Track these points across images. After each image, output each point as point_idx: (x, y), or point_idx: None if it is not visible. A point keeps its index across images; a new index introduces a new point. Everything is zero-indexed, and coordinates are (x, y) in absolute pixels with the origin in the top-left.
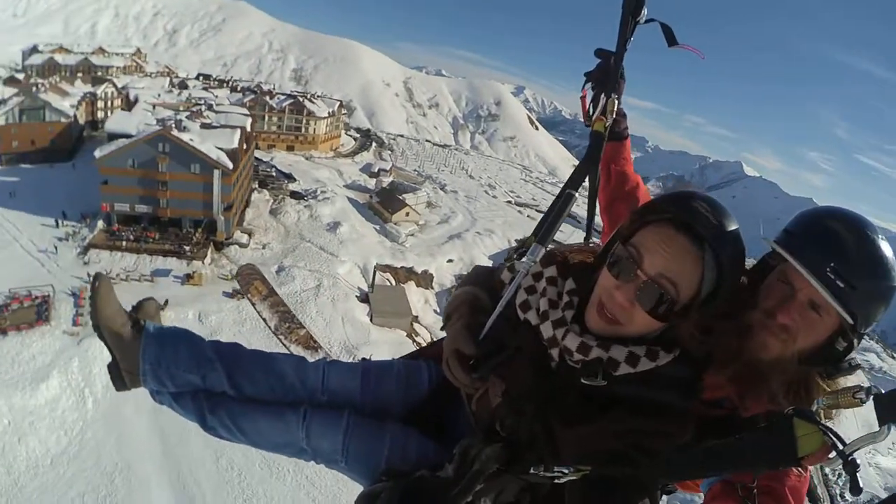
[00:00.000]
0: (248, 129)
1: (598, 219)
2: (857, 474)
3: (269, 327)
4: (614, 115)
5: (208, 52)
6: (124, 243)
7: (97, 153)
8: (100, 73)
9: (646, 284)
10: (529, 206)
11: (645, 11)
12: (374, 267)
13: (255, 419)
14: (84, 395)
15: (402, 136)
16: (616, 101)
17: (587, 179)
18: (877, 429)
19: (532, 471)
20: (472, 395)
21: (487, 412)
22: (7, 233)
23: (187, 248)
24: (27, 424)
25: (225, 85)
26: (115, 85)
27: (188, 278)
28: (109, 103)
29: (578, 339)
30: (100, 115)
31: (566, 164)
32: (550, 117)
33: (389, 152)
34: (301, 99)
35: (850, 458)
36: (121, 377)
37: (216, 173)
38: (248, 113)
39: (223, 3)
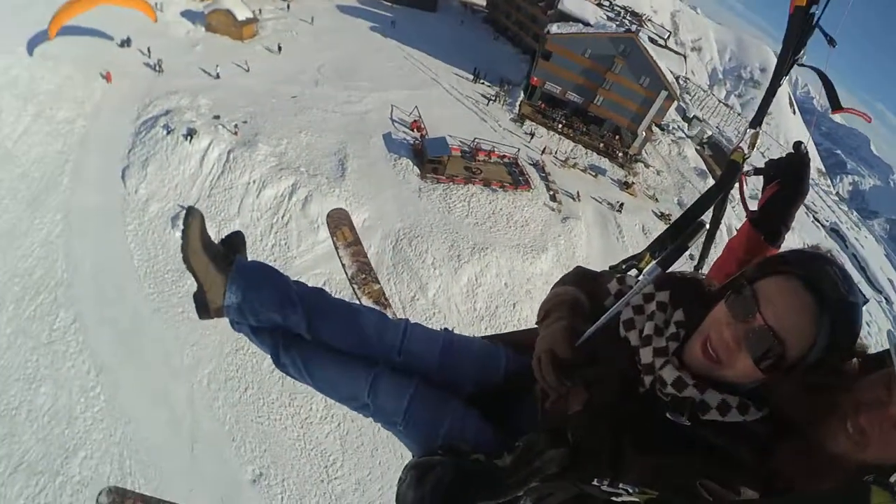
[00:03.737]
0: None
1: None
2: None
3: (346, 275)
4: (755, 148)
5: None
6: (559, 126)
7: (554, 28)
8: None
9: (759, 329)
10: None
11: (804, 53)
12: None
13: (325, 367)
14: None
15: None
16: (758, 135)
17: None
18: None
19: (595, 482)
20: (550, 395)
21: (560, 417)
22: (421, 70)
23: (619, 154)
24: (524, 292)
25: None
26: None
27: (625, 186)
28: None
29: (676, 374)
30: None
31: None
32: (799, 102)
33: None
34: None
35: None
36: (206, 306)
37: (662, 94)
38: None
39: None
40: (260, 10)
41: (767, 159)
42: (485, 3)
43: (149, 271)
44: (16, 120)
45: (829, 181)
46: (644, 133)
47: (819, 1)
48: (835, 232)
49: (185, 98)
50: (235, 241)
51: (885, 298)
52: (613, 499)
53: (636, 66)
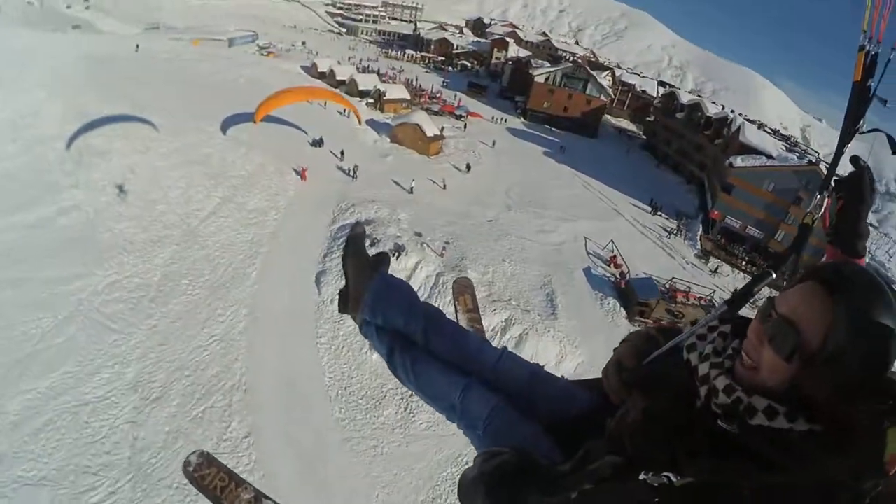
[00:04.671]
0: None
1: None
2: None
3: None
4: (821, 212)
5: (610, 55)
6: (742, 262)
7: (738, 161)
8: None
9: (774, 321)
10: None
11: (863, 122)
12: None
13: (429, 369)
14: None
15: None
16: (825, 199)
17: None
18: None
19: (641, 476)
20: (616, 413)
21: (621, 427)
22: (601, 199)
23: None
24: None
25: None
26: (613, 74)
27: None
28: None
29: (727, 382)
30: None
31: None
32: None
33: None
34: None
35: None
36: (346, 303)
37: (818, 198)
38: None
39: (626, 11)
40: (442, 129)
41: (835, 179)
42: (642, 131)
43: (340, 393)
44: (205, 198)
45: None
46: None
47: (873, 76)
48: None
49: (384, 209)
50: (383, 258)
51: None
52: (657, 496)
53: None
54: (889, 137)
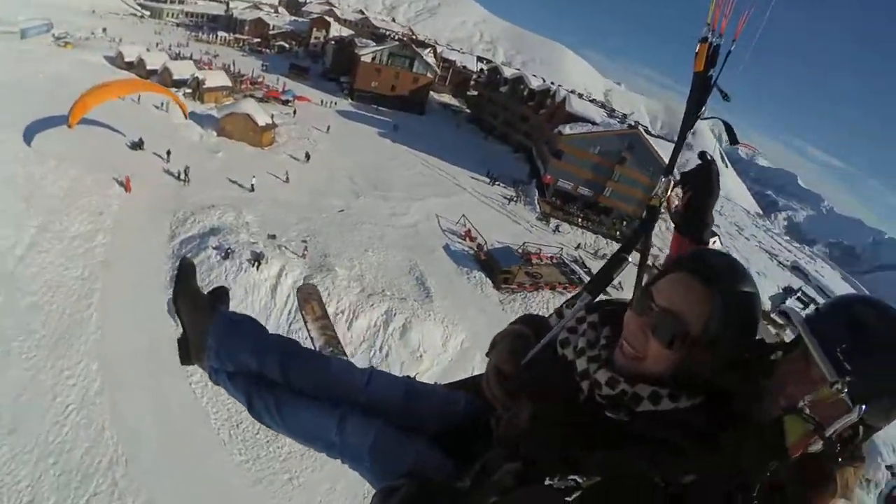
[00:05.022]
0: None
1: None
2: (837, 450)
3: (314, 347)
4: (668, 195)
5: (425, 32)
6: (579, 219)
7: (566, 130)
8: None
9: (657, 314)
10: None
11: (705, 110)
12: None
13: (296, 409)
14: None
15: None
16: (670, 182)
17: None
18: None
19: (547, 482)
20: (502, 417)
21: (513, 434)
22: (442, 175)
23: None
24: None
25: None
26: (435, 51)
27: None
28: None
29: (608, 374)
30: None
31: (751, 217)
32: (727, 153)
33: None
34: None
35: (829, 437)
36: (188, 352)
37: (663, 179)
38: None
39: None
40: (272, 116)
41: (682, 171)
42: (466, 105)
43: (234, 433)
44: (16, 231)
45: (766, 221)
46: None
47: (715, 65)
48: (796, 269)
49: (229, 214)
50: (220, 294)
51: None
52: (566, 497)
53: (641, 157)
54: (726, 126)
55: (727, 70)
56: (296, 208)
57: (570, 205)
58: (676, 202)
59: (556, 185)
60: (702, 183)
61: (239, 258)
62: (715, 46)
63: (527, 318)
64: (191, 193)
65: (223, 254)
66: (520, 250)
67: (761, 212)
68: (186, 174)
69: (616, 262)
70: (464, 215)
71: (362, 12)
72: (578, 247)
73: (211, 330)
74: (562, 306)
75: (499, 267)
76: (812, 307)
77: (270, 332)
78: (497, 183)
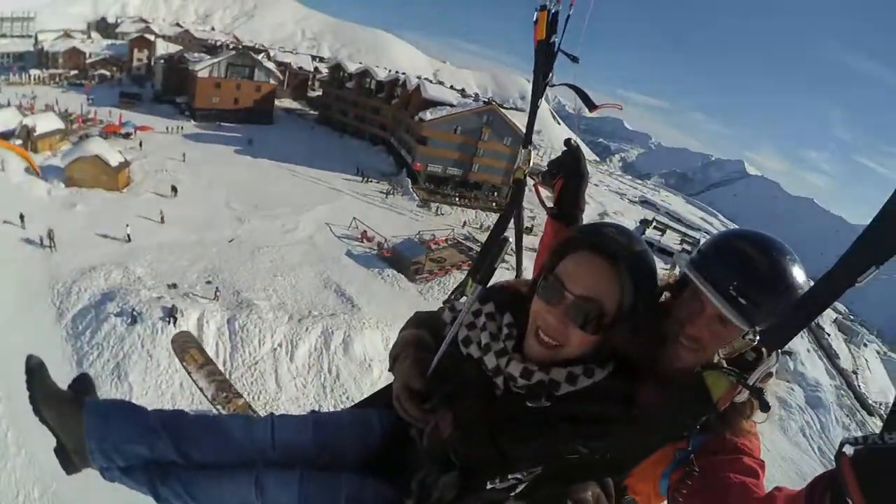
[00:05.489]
0: None
1: None
2: (763, 396)
3: (206, 397)
4: (530, 164)
5: (246, 36)
6: (456, 199)
7: (427, 115)
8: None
9: (573, 302)
10: None
11: (552, 76)
12: None
13: (207, 486)
14: None
15: None
16: (531, 152)
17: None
18: (773, 359)
19: (489, 486)
20: (424, 430)
21: (440, 445)
22: (315, 182)
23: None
24: None
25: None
26: (268, 55)
27: (528, 230)
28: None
29: (521, 366)
30: None
31: (591, 165)
32: (556, 111)
33: None
34: None
35: (753, 386)
36: (70, 459)
37: (524, 152)
38: None
39: None
40: (121, 153)
41: (549, 161)
42: (310, 107)
43: None
44: None
45: (604, 165)
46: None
47: (557, 32)
48: (645, 202)
49: (115, 273)
50: (83, 383)
51: (705, 234)
52: (513, 493)
53: (499, 130)
54: (579, 92)
55: (569, 34)
56: (184, 249)
57: (443, 186)
58: (549, 192)
59: (427, 171)
60: (571, 170)
61: (150, 318)
62: (554, 13)
63: (419, 319)
64: (63, 260)
65: (129, 319)
66: (417, 239)
67: (598, 158)
68: (51, 239)
69: (496, 244)
70: (355, 218)
71: (179, 25)
72: (464, 224)
73: (85, 430)
74: (450, 297)
75: (408, 260)
76: (693, 250)
77: (150, 409)
78: (369, 179)
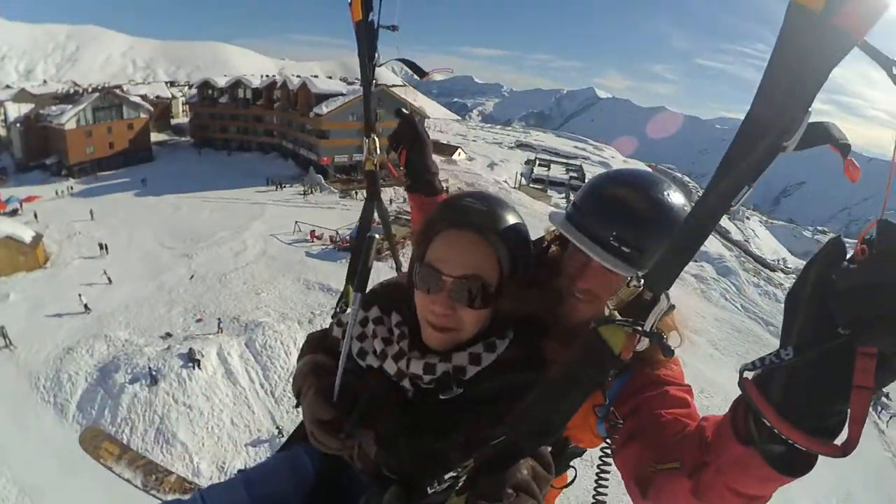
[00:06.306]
0: None
1: None
2: (664, 341)
3: (137, 486)
4: (377, 151)
5: (77, 79)
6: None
7: (324, 108)
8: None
9: (453, 285)
10: None
11: (379, 56)
12: None
13: None
14: None
15: None
16: (375, 140)
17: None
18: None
19: (430, 490)
20: (351, 454)
21: (372, 464)
22: (233, 203)
23: None
24: None
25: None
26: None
27: None
28: None
29: (422, 362)
30: None
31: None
32: (410, 83)
33: None
34: None
35: (650, 332)
36: None
37: (367, 141)
38: None
39: (71, 31)
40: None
41: (389, 136)
42: (178, 136)
43: None
44: None
45: (466, 122)
46: None
47: (373, 9)
48: (522, 145)
49: (97, 345)
50: None
51: (583, 160)
52: (453, 490)
53: (391, 108)
54: (409, 63)
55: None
56: (151, 299)
57: (354, 174)
58: (395, 169)
59: (335, 163)
60: (410, 138)
61: (171, 371)
62: None
63: (312, 342)
64: (30, 354)
65: (149, 380)
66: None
67: (458, 116)
68: (5, 336)
69: (364, 245)
70: (297, 222)
71: (10, 87)
72: (391, 202)
73: None
74: (335, 311)
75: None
76: (569, 204)
77: None
78: (282, 185)
